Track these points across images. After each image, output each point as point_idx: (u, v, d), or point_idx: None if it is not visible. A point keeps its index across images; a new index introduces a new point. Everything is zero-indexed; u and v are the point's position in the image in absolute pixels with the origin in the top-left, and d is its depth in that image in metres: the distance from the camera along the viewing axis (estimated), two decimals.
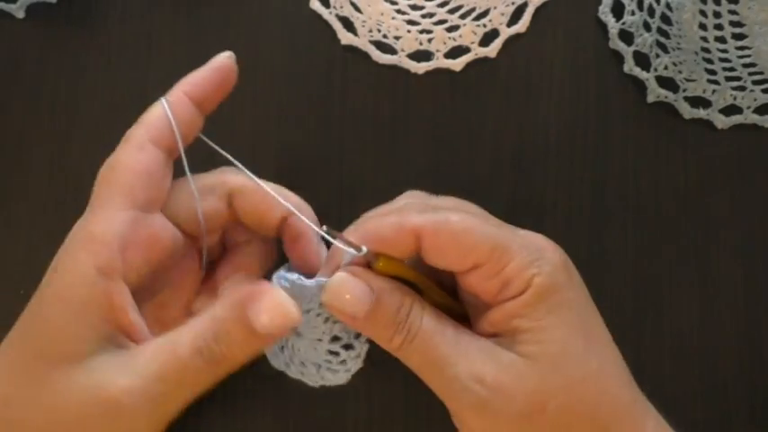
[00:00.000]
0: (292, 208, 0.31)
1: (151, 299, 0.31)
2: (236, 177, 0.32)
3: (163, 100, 0.30)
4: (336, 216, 0.37)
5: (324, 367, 0.33)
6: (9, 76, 0.38)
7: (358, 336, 0.33)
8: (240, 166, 0.32)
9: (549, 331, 0.28)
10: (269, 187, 0.31)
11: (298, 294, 0.29)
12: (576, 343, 0.28)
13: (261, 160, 0.38)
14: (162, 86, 0.38)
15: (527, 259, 0.28)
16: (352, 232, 0.29)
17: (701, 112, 0.39)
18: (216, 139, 0.37)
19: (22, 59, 0.38)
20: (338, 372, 0.33)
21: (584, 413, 0.28)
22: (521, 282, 0.28)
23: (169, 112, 0.30)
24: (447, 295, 0.32)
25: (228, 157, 0.32)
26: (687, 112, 0.39)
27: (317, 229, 0.31)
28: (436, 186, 0.38)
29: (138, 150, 0.29)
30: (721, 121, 0.39)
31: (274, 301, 0.28)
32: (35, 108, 0.38)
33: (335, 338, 0.32)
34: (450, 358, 0.28)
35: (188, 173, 0.31)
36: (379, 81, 0.38)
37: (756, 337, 0.38)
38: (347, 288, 0.29)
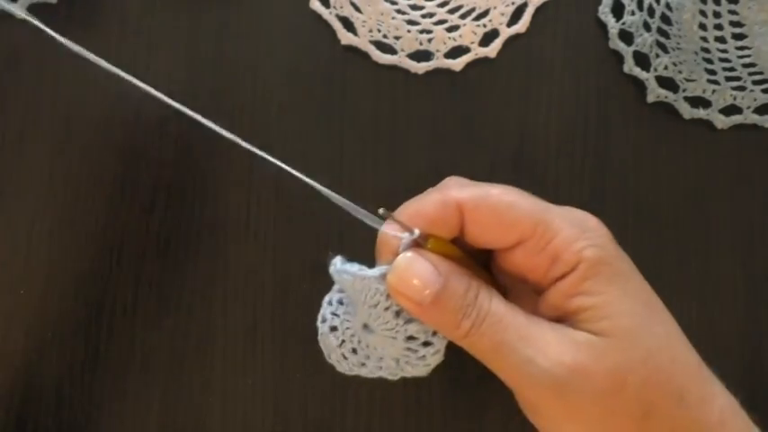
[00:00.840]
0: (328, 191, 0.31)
1: None
2: (465, 189, 0.30)
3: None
4: (336, 216, 0.37)
5: (402, 361, 0.31)
6: (9, 76, 0.38)
7: (435, 332, 0.30)
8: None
9: (615, 305, 0.28)
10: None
11: (359, 288, 0.28)
12: (643, 313, 0.28)
13: (260, 160, 0.38)
14: (162, 86, 0.38)
15: (573, 231, 0.28)
16: (397, 216, 0.29)
17: (701, 112, 0.39)
18: (214, 139, 0.37)
19: (22, 59, 0.38)
20: (418, 365, 0.31)
21: (661, 383, 0.27)
22: (570, 255, 0.28)
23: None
24: (494, 280, 0.31)
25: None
26: (687, 112, 0.39)
27: (367, 214, 0.30)
28: None
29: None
30: (721, 121, 0.39)
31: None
32: (35, 108, 0.38)
33: (411, 338, 0.30)
34: (523, 340, 0.27)
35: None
36: (379, 81, 0.38)
37: (756, 337, 0.38)
38: (415, 270, 0.28)
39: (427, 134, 0.38)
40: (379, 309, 0.29)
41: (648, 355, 0.27)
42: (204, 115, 0.38)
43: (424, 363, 0.31)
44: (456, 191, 0.29)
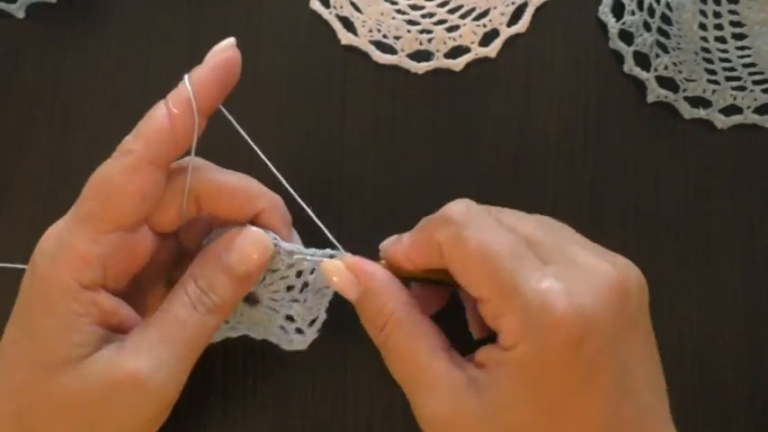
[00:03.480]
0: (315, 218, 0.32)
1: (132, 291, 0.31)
2: (201, 177, 0.30)
3: (169, 105, 0.28)
4: (336, 216, 0.37)
5: (271, 332, 0.33)
6: (9, 76, 0.38)
7: (312, 323, 0.33)
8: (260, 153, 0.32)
9: (513, 399, 0.27)
10: (237, 177, 0.31)
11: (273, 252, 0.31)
12: (542, 422, 0.26)
13: (260, 160, 0.38)
14: (162, 86, 0.38)
15: (521, 321, 0.26)
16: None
17: (701, 112, 0.39)
18: (215, 139, 0.37)
19: (22, 59, 0.38)
20: (281, 342, 0.34)
21: None
22: (508, 340, 0.27)
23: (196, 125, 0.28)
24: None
25: (249, 139, 0.31)
26: (687, 112, 0.39)
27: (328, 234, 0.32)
28: (436, 186, 0.38)
29: (135, 172, 0.28)
30: (721, 121, 0.39)
31: (247, 240, 0.29)
32: (35, 108, 0.38)
33: (289, 318, 0.33)
34: (417, 383, 0.29)
35: (186, 190, 0.30)
36: (379, 81, 0.38)
37: (756, 338, 0.38)
38: (336, 272, 0.30)
39: (427, 134, 0.38)
40: (276, 275, 0.31)
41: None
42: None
43: (289, 345, 0.33)
44: (437, 231, 0.29)
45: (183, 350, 0.28)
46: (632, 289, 0.27)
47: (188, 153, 0.29)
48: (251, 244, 0.30)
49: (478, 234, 0.27)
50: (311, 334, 0.33)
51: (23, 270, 0.30)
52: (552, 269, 0.27)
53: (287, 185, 0.32)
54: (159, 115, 0.28)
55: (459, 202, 0.29)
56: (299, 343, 0.33)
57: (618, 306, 0.26)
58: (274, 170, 0.32)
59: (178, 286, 0.30)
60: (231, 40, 0.29)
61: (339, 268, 0.30)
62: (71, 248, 0.28)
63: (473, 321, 0.33)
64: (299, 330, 0.33)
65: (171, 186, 0.30)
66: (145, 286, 0.32)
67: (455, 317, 0.33)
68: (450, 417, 0.28)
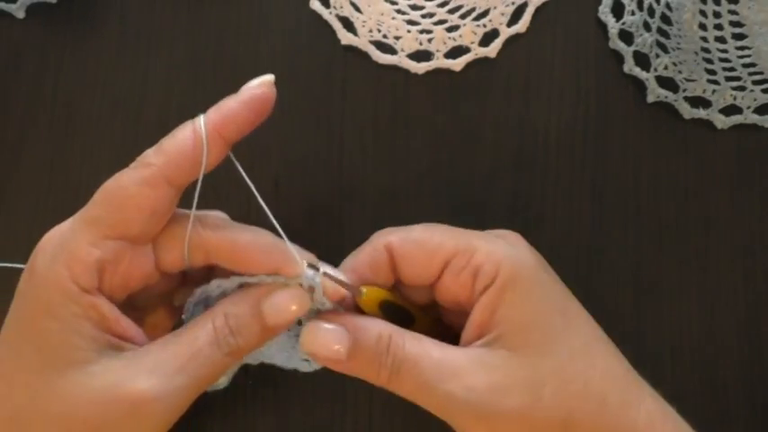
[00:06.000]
0: (299, 258, 0.30)
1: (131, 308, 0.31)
2: (214, 235, 0.29)
3: (200, 127, 0.28)
4: (337, 216, 0.37)
5: (283, 353, 0.34)
6: (9, 76, 0.38)
7: None
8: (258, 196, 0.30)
9: (529, 317, 0.29)
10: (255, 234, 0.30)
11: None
12: (556, 323, 0.29)
13: (260, 160, 0.38)
14: (161, 86, 0.38)
15: (491, 245, 0.29)
16: (333, 274, 0.30)
17: (701, 112, 0.39)
18: None
19: (22, 59, 0.38)
20: (294, 361, 0.34)
21: (578, 390, 0.28)
22: (490, 266, 0.29)
23: (204, 158, 0.28)
24: (436, 320, 0.32)
25: (251, 184, 0.30)
26: (687, 112, 0.39)
27: (305, 267, 0.30)
28: (436, 186, 0.38)
29: (151, 187, 0.28)
30: (721, 121, 0.39)
31: (286, 296, 0.29)
32: (35, 108, 0.38)
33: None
34: (439, 377, 0.28)
35: (186, 239, 0.29)
36: (379, 81, 0.38)
37: (756, 338, 0.38)
38: (320, 335, 0.29)
39: (427, 134, 0.38)
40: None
41: (561, 365, 0.28)
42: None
43: (310, 366, 0.34)
44: (383, 237, 0.31)
45: (194, 383, 0.28)
46: None
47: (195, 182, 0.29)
48: (291, 301, 0.29)
49: (416, 226, 0.31)
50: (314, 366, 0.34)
51: (23, 270, 0.30)
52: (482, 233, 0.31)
53: (254, 190, 0.30)
54: (184, 136, 0.28)
55: (380, 231, 0.32)
56: (311, 365, 0.34)
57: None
58: (241, 171, 0.31)
59: (205, 318, 0.29)
60: (270, 78, 0.29)
61: (318, 329, 0.29)
62: (71, 250, 0.28)
63: (445, 305, 0.32)
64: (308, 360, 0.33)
65: (174, 233, 0.29)
66: (145, 305, 0.31)
67: None
68: (487, 383, 0.28)
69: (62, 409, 0.27)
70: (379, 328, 0.29)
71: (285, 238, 0.29)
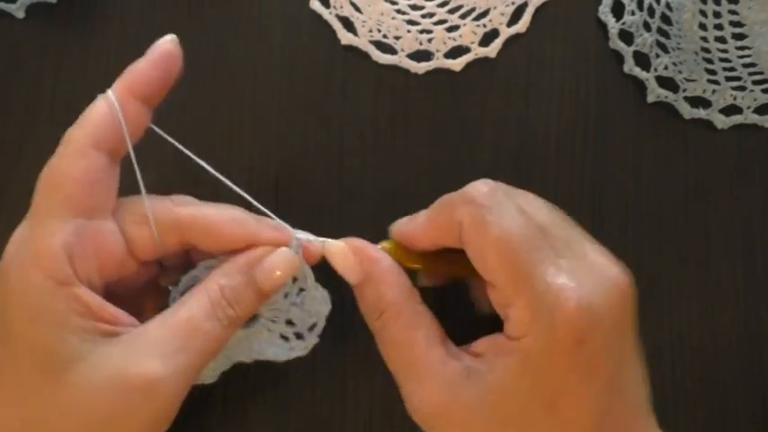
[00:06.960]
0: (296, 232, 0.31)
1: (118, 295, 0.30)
2: (186, 210, 0.30)
3: (109, 94, 0.29)
4: (337, 216, 0.37)
5: (267, 348, 0.33)
6: (9, 76, 0.38)
7: (312, 328, 0.33)
8: (202, 161, 0.31)
9: (512, 388, 0.27)
10: (229, 210, 0.31)
11: None
12: (536, 411, 0.27)
13: (260, 160, 0.38)
14: None
15: (531, 313, 0.27)
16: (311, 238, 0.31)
17: (701, 112, 0.39)
18: (214, 139, 0.37)
19: (22, 59, 0.38)
20: (283, 351, 0.33)
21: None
22: (516, 330, 0.27)
23: (120, 113, 0.29)
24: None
25: (187, 151, 0.31)
26: (687, 112, 0.39)
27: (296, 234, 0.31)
28: (436, 186, 0.38)
29: (80, 157, 0.28)
30: (721, 121, 0.39)
31: (280, 259, 0.30)
32: (35, 108, 0.38)
33: (290, 323, 0.33)
34: (410, 372, 0.29)
35: (142, 189, 0.29)
36: (379, 81, 0.38)
37: (756, 338, 0.38)
38: (339, 254, 0.31)
39: (427, 134, 0.38)
40: None
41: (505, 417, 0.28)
42: (204, 115, 0.38)
43: (289, 353, 0.33)
44: (458, 207, 0.29)
45: (196, 360, 0.28)
46: (633, 293, 0.29)
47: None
48: (282, 262, 0.30)
49: (501, 221, 0.28)
50: (311, 339, 0.33)
51: None
52: (565, 263, 0.28)
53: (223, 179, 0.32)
54: (97, 102, 0.29)
55: (483, 184, 0.30)
56: (299, 349, 0.33)
57: (621, 308, 0.28)
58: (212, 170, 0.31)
59: (199, 291, 0.29)
60: (171, 35, 0.30)
61: (343, 251, 0.31)
62: (35, 246, 0.27)
63: (479, 298, 0.32)
64: (298, 335, 0.33)
65: (134, 207, 0.30)
66: (131, 304, 0.31)
67: (453, 310, 0.33)
68: (445, 406, 0.28)
69: (73, 404, 0.27)
70: (385, 289, 0.30)
71: (269, 213, 0.31)
